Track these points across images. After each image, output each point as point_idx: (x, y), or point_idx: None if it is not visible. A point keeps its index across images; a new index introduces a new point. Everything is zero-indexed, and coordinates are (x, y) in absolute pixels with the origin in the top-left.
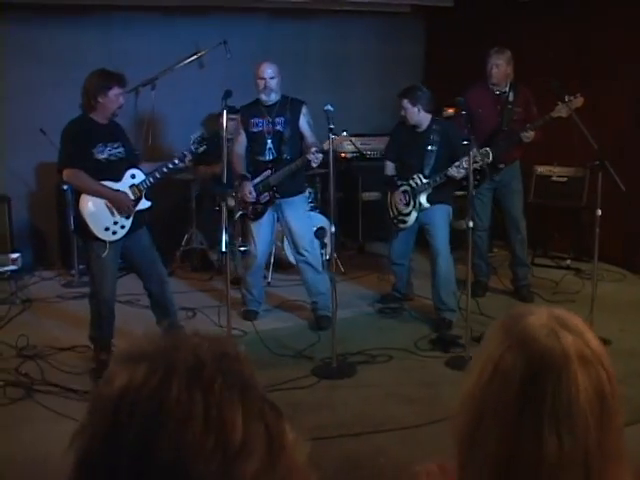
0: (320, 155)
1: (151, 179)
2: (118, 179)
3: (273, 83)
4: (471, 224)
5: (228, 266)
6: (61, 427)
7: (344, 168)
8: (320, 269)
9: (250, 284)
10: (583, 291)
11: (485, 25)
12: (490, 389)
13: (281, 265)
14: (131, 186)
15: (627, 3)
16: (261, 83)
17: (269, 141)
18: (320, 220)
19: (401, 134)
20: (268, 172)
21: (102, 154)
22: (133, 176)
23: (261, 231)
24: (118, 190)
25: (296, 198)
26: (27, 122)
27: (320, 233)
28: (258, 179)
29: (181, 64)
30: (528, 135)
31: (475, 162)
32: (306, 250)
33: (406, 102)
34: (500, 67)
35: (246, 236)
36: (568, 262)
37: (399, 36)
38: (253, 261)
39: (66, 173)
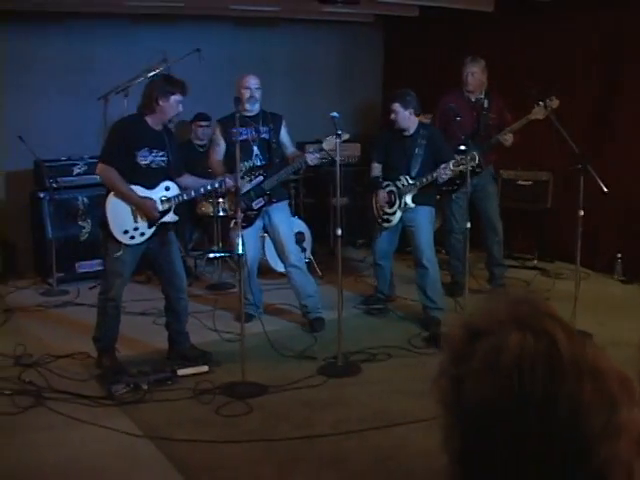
0: (317, 154)
1: (185, 196)
2: (151, 187)
3: (258, 94)
4: (468, 225)
5: (241, 270)
6: (79, 432)
7: (314, 174)
8: (307, 271)
9: (245, 290)
10: (554, 289)
11: (449, 35)
12: None
13: (261, 271)
14: (162, 197)
15: (580, 9)
16: (246, 93)
17: (255, 148)
18: (299, 225)
19: (388, 137)
20: (260, 178)
21: (145, 160)
22: (167, 188)
23: (249, 238)
24: (146, 197)
25: (281, 203)
26: None
27: (299, 238)
28: (249, 185)
29: (152, 72)
30: (507, 138)
31: (463, 164)
32: (293, 254)
33: (397, 106)
34: (475, 75)
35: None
36: (534, 262)
37: (359, 44)
38: (243, 267)
39: (100, 167)
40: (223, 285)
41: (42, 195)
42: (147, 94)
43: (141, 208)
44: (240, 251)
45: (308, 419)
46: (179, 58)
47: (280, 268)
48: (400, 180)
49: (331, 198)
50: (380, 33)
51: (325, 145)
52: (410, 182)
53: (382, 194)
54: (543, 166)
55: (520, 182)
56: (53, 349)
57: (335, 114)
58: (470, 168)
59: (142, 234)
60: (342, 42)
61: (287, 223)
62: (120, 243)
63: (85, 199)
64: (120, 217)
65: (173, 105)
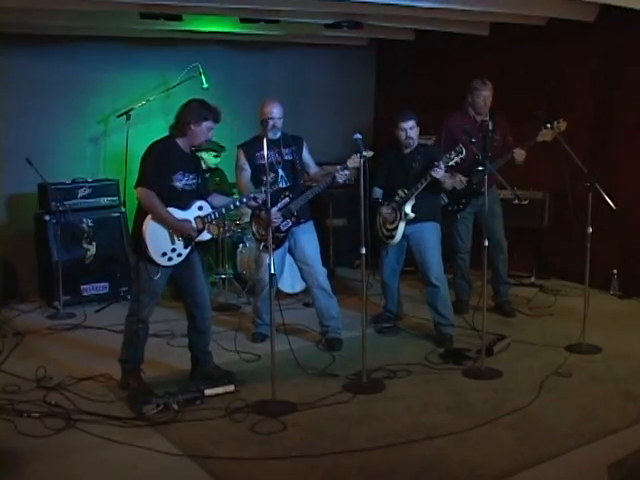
0: (347, 172)
1: (217, 214)
2: (185, 208)
3: (280, 123)
4: (486, 243)
5: (270, 290)
6: (117, 453)
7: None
8: (332, 294)
9: (261, 310)
10: (556, 305)
11: (441, 57)
12: None
13: None
14: (196, 217)
15: (575, 33)
16: (270, 123)
17: (280, 170)
18: None
19: (389, 160)
20: (287, 200)
21: (180, 182)
22: (200, 208)
23: (275, 259)
24: (183, 219)
25: (307, 224)
26: None
27: None
28: (276, 208)
29: (155, 96)
30: (519, 153)
31: (452, 159)
32: (321, 275)
33: (413, 123)
34: (488, 98)
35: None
36: (532, 280)
37: (352, 67)
38: (263, 288)
39: (140, 191)
40: (230, 306)
41: (48, 218)
42: (181, 117)
43: (179, 231)
44: (272, 271)
45: (345, 434)
46: (178, 82)
47: (287, 289)
48: (398, 194)
49: (328, 220)
50: (373, 56)
51: (349, 163)
52: (406, 192)
53: (385, 210)
54: (539, 185)
55: (517, 201)
56: (73, 371)
57: (358, 135)
58: (458, 161)
59: (179, 255)
60: (335, 65)
61: (314, 245)
62: (158, 265)
63: (90, 222)
64: (159, 240)
65: (204, 131)
